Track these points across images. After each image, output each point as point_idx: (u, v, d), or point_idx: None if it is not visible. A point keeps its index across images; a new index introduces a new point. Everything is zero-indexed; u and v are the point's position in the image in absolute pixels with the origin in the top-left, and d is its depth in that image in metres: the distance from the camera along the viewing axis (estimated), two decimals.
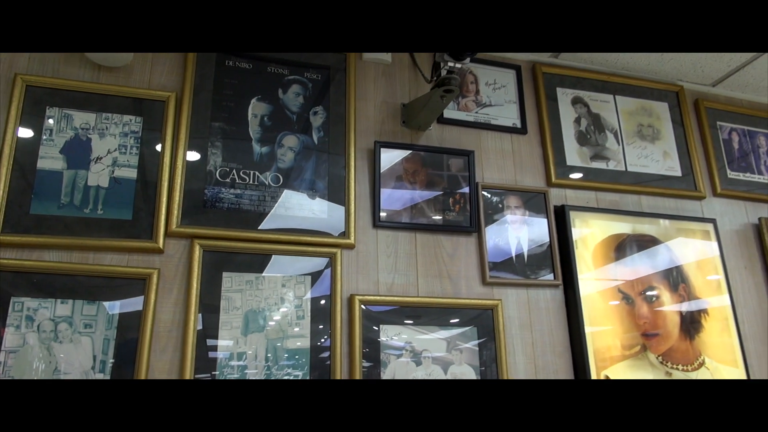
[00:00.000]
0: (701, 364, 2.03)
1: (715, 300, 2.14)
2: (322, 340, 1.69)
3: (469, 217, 1.94)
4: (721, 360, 2.07)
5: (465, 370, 1.79)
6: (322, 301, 1.73)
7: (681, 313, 2.07)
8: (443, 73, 1.78)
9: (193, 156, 1.75)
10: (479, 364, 1.80)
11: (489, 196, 2.00)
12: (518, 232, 1.99)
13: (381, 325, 1.75)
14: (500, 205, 2.01)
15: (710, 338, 2.08)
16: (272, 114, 1.87)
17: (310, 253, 1.76)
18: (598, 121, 2.27)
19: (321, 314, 1.72)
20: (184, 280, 1.63)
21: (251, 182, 1.78)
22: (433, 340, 1.79)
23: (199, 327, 1.60)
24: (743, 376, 2.07)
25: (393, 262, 1.85)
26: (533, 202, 2.05)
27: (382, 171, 1.91)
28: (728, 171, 2.42)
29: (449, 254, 1.91)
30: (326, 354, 1.67)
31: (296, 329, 1.69)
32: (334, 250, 1.78)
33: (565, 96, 2.25)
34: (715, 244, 2.23)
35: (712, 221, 2.26)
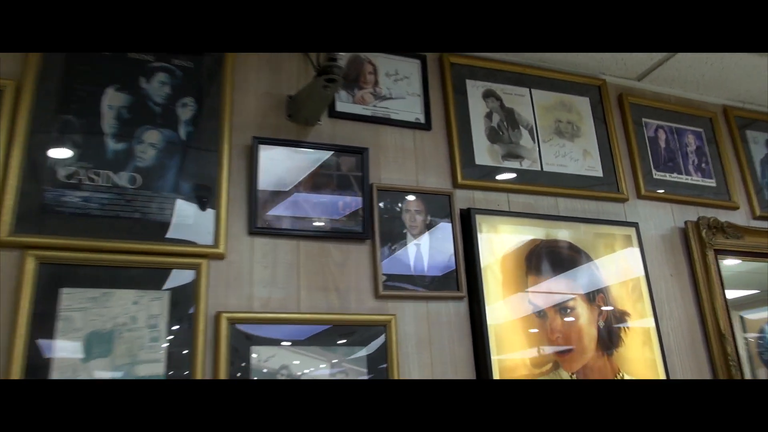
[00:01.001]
0: None
1: (636, 311, 1.98)
2: (181, 365, 1.46)
3: (361, 223, 1.74)
4: (642, 376, 1.90)
5: None
6: (183, 321, 1.50)
7: (598, 326, 1.90)
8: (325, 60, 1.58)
9: (33, 154, 1.51)
10: None
11: (385, 198, 1.80)
12: (419, 238, 1.80)
13: (252, 347, 1.53)
14: (398, 209, 1.81)
15: (630, 353, 1.91)
16: (132, 106, 1.64)
17: (171, 264, 1.53)
18: (512, 117, 2.09)
19: (180, 336, 1.49)
20: (12, 298, 1.38)
21: (102, 183, 1.54)
22: (313, 361, 1.57)
23: (29, 353, 1.36)
24: None
25: (271, 274, 1.63)
26: (437, 205, 1.86)
27: (260, 171, 1.69)
28: (654, 171, 2.27)
29: (338, 265, 1.70)
30: None
31: (149, 354, 1.46)
32: (199, 260, 1.56)
33: (475, 89, 2.06)
34: (637, 251, 2.07)
35: (635, 225, 2.10)
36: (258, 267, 1.62)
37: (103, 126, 1.59)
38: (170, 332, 1.49)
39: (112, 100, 1.62)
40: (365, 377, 1.60)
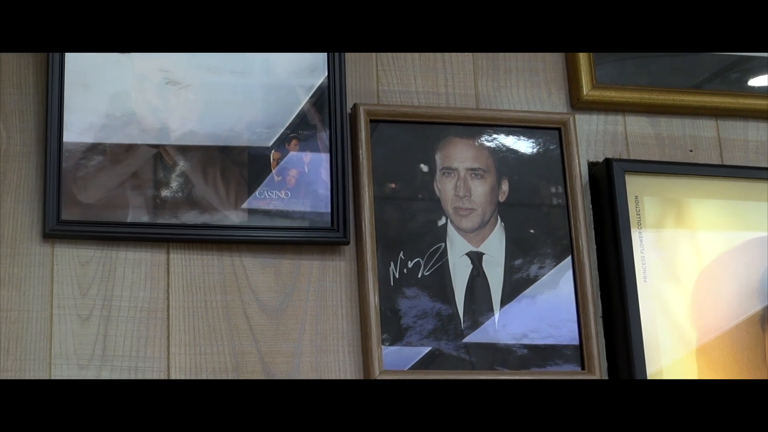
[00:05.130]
0: None
1: None
2: None
3: (335, 215, 0.71)
4: None
5: None
6: None
7: None
8: None
9: None
10: None
11: (390, 141, 0.75)
12: (481, 245, 0.73)
13: None
14: (424, 170, 0.74)
15: None
16: None
17: None
18: None
19: None
20: None
21: None
22: None
23: None
24: None
25: (99, 333, 0.68)
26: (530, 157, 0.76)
27: (70, 98, 0.71)
28: None
29: (271, 307, 0.71)
30: None
31: None
32: None
33: None
34: None
35: None
36: (69, 318, 0.67)
37: None
38: None
39: None
40: None
